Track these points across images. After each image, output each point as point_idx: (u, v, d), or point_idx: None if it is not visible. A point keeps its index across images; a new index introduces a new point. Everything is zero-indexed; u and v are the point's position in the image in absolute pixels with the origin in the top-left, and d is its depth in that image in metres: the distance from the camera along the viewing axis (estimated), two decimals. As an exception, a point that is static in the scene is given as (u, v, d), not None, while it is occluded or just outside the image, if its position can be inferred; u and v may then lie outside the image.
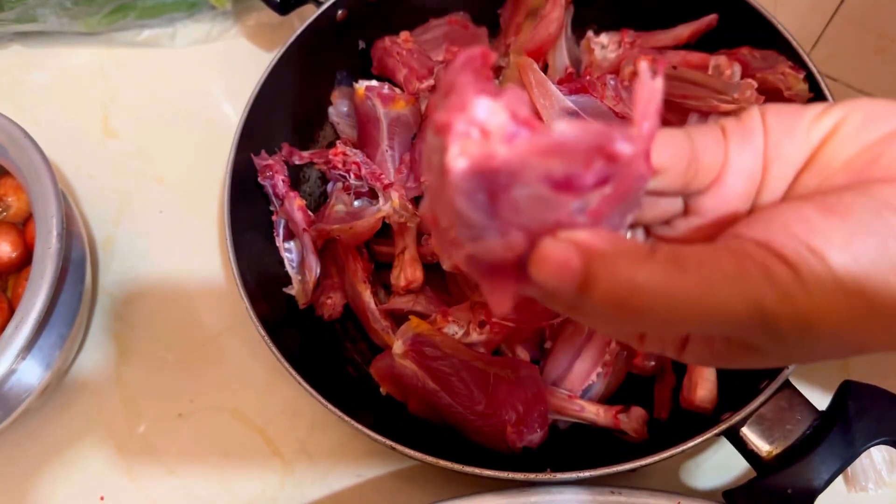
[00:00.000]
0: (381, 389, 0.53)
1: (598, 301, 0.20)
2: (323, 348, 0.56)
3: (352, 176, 0.57)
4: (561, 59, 0.61)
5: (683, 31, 0.59)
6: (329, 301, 0.56)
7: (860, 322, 0.20)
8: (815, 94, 0.52)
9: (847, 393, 0.44)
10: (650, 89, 0.20)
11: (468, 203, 0.19)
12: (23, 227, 0.57)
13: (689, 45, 0.59)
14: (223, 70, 0.71)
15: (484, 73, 0.19)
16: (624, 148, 0.19)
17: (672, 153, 0.23)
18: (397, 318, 0.55)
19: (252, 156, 0.58)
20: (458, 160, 0.18)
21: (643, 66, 0.21)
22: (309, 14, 0.60)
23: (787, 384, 0.45)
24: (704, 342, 0.24)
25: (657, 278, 0.20)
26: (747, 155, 0.24)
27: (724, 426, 0.44)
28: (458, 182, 0.19)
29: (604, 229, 0.20)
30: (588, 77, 0.55)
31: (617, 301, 0.20)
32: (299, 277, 0.57)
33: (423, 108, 0.61)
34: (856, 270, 0.20)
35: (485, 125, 0.18)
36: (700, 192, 0.25)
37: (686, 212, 0.26)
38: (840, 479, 0.44)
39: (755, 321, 0.20)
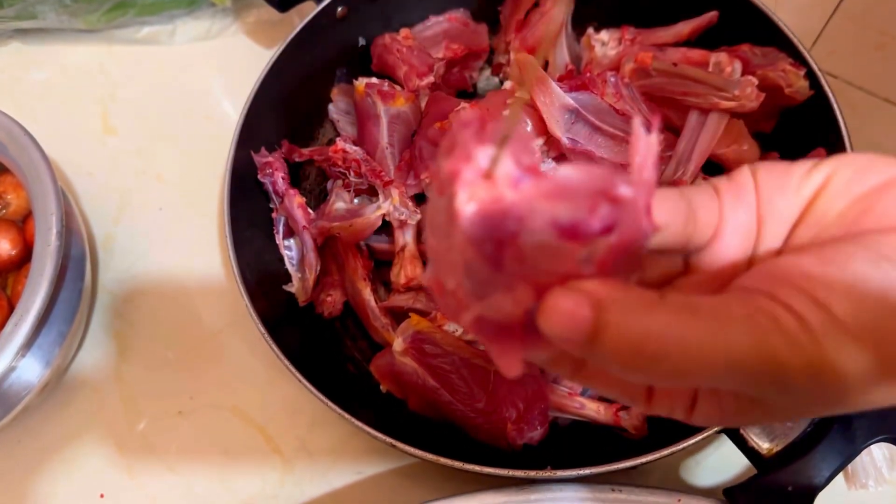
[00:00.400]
0: (381, 387, 0.53)
1: (609, 349, 0.20)
2: (323, 346, 0.56)
3: (352, 173, 0.57)
4: (561, 56, 0.61)
5: (684, 27, 0.59)
6: (329, 298, 0.56)
7: (869, 373, 0.20)
8: (816, 91, 0.52)
9: (848, 390, 0.44)
10: (646, 144, 0.20)
11: (476, 253, 0.19)
12: (22, 224, 0.57)
13: (689, 42, 0.59)
14: (223, 67, 0.71)
15: (484, 131, 0.20)
16: (626, 191, 0.19)
17: (669, 210, 0.23)
18: (397, 315, 0.55)
19: (252, 153, 0.57)
20: (468, 205, 0.19)
21: (636, 122, 0.21)
22: (309, 11, 0.60)
23: (788, 381, 0.45)
24: (713, 400, 0.24)
25: (669, 323, 0.19)
26: (741, 212, 0.24)
27: (724, 423, 0.44)
28: (467, 228, 0.19)
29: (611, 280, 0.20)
30: (588, 74, 0.55)
31: (628, 347, 0.19)
32: (299, 275, 0.57)
33: (422, 105, 0.61)
34: (860, 321, 0.20)
35: (491, 172, 0.19)
36: (699, 250, 0.25)
37: (686, 270, 0.26)
38: (840, 476, 0.44)
39: (766, 371, 0.20)
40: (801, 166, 0.24)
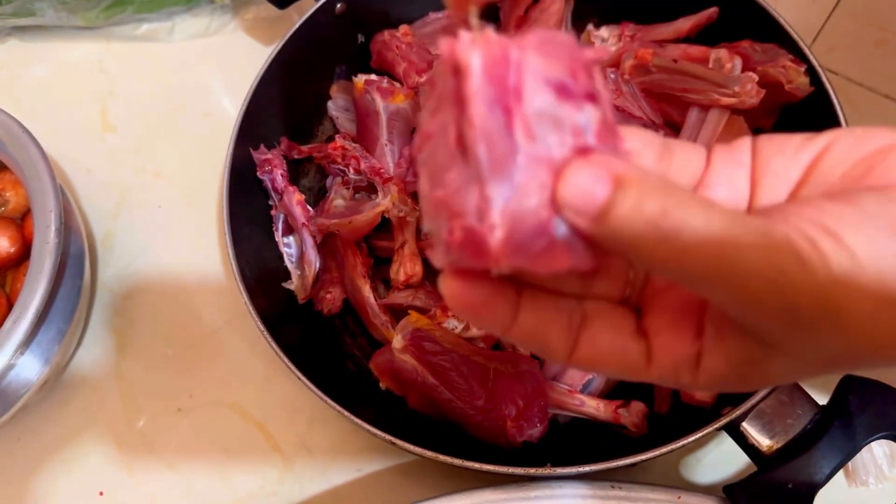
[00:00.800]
0: (380, 384, 0.53)
1: (622, 220, 0.20)
2: (322, 343, 0.56)
3: (351, 170, 0.56)
4: (561, 52, 0.61)
5: (684, 24, 0.58)
6: (328, 296, 0.56)
7: (878, 313, 0.20)
8: (816, 88, 0.52)
9: (848, 387, 0.44)
10: (598, 49, 0.22)
11: (490, 117, 0.20)
12: (21, 221, 0.57)
13: (689, 39, 0.58)
14: (222, 64, 0.71)
15: None
16: (591, 54, 0.21)
17: (642, 140, 0.24)
18: (397, 312, 0.55)
19: (251, 150, 0.57)
20: (474, 57, 0.20)
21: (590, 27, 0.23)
22: (307, 8, 0.60)
23: (788, 378, 0.45)
24: (720, 349, 0.23)
25: (685, 206, 0.20)
26: (733, 166, 0.25)
27: (724, 421, 0.44)
28: (476, 86, 0.20)
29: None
30: (588, 71, 0.55)
31: (642, 220, 0.20)
32: (298, 272, 0.57)
33: (422, 102, 0.61)
34: (871, 254, 0.20)
35: (484, 35, 0.20)
36: None
37: None
38: (841, 473, 0.44)
39: (776, 290, 0.20)
40: (800, 135, 0.25)
